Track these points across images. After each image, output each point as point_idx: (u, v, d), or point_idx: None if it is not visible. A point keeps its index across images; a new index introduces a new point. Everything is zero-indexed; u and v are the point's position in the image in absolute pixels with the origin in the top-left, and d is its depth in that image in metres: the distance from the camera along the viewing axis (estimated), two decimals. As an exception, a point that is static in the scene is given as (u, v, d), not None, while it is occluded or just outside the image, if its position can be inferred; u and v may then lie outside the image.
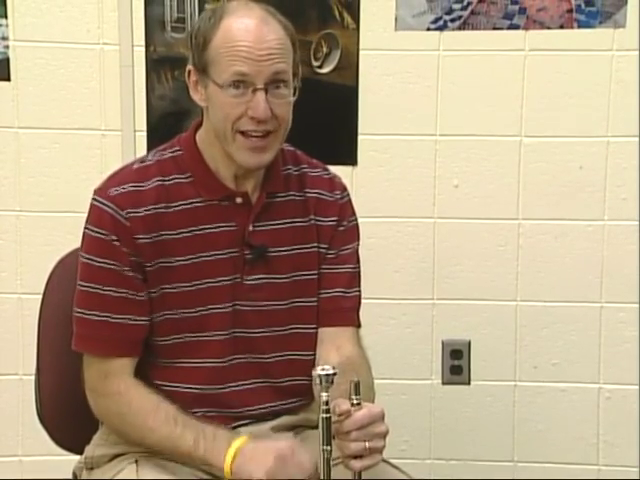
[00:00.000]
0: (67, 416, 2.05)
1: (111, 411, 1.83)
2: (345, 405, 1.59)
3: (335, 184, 1.97)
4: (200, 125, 1.89)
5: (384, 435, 1.62)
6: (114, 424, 1.85)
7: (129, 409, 1.80)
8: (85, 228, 1.84)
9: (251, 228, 1.86)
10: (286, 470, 1.65)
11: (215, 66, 1.77)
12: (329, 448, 1.57)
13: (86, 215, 1.85)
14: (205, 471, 1.86)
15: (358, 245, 1.98)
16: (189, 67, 1.84)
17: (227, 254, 1.85)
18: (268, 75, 1.75)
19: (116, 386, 1.81)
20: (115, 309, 1.81)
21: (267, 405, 1.89)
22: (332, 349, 1.89)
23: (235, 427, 1.86)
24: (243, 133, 1.78)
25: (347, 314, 1.94)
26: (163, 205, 1.82)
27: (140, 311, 1.82)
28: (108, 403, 1.83)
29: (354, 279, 1.96)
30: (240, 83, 1.76)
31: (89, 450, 1.94)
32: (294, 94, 1.81)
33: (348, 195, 1.99)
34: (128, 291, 1.81)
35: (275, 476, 1.64)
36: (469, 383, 2.95)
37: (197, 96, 1.84)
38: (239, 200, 1.86)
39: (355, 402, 1.59)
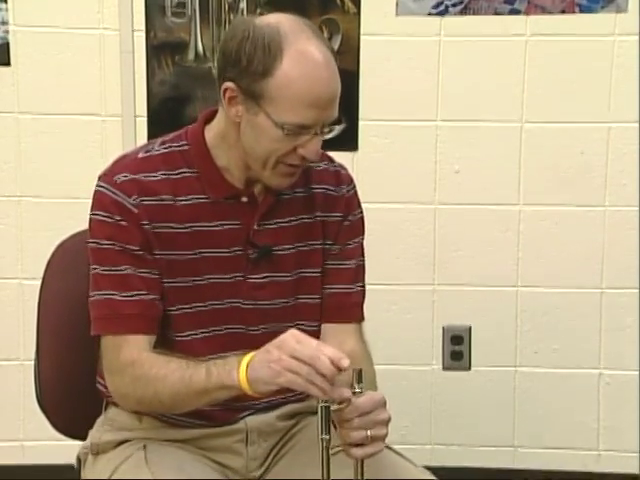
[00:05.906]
0: (67, 401, 2.04)
1: (125, 383, 1.76)
2: (347, 392, 1.57)
3: (341, 177, 1.93)
4: (209, 118, 1.84)
5: (386, 422, 1.61)
6: (130, 395, 1.78)
7: (142, 369, 1.73)
8: (91, 214, 1.80)
9: (256, 227, 1.83)
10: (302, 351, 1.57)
11: (274, 104, 1.70)
12: (327, 437, 1.54)
13: (90, 201, 1.80)
14: (212, 459, 1.86)
15: (363, 239, 1.95)
16: (228, 84, 1.72)
17: (231, 252, 1.82)
18: (327, 122, 1.73)
19: (129, 355, 1.74)
20: (129, 287, 1.76)
21: (270, 398, 1.87)
22: (335, 345, 1.85)
23: (241, 418, 1.85)
24: (284, 163, 1.76)
25: (351, 310, 1.91)
26: (169, 198, 1.79)
27: (155, 288, 1.78)
28: (123, 376, 1.76)
29: (359, 273, 1.93)
30: (300, 129, 1.72)
31: (94, 436, 1.91)
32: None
33: (354, 187, 1.95)
34: (141, 269, 1.76)
35: (291, 368, 1.57)
36: (469, 369, 2.95)
37: (232, 112, 1.75)
38: (245, 199, 1.83)
39: (357, 391, 1.58)
